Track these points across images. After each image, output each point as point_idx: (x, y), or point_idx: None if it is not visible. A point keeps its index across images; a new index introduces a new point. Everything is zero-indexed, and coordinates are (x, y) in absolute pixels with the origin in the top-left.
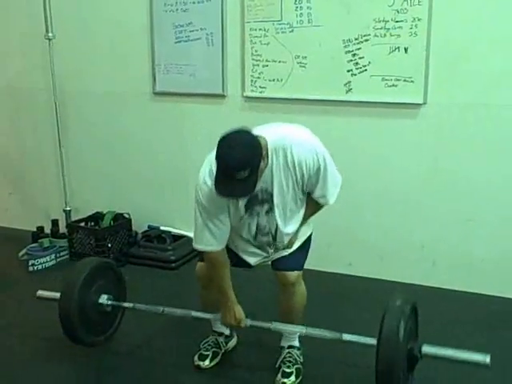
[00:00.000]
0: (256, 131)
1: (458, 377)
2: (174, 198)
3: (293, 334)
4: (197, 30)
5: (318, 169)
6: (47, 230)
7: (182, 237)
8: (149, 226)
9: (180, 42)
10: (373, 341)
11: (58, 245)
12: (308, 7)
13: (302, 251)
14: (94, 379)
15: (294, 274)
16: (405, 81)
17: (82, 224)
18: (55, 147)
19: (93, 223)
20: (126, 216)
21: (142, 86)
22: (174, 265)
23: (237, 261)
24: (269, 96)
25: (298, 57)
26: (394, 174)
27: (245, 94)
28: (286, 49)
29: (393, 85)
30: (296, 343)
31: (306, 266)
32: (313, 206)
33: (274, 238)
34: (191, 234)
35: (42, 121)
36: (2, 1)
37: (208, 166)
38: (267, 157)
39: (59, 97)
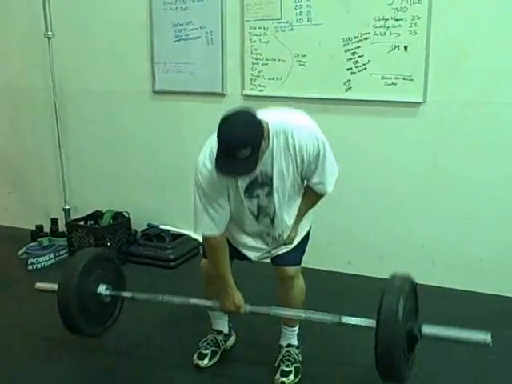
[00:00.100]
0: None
1: (458, 376)
2: (174, 197)
3: (292, 318)
4: (196, 29)
5: (318, 154)
6: (46, 229)
7: (181, 235)
8: (148, 225)
9: (179, 40)
10: (372, 323)
11: (57, 243)
12: (308, 5)
13: (301, 247)
14: (94, 378)
15: (293, 269)
16: (404, 79)
17: (82, 223)
18: (55, 146)
19: (92, 222)
20: (126, 215)
21: (142, 84)
22: (173, 263)
23: (237, 255)
24: (268, 94)
25: (298, 55)
26: (393, 173)
27: (244, 93)
28: (285, 47)
29: (392, 83)
30: (295, 342)
31: (304, 265)
32: (311, 197)
33: (272, 222)
34: (190, 233)
35: (42, 120)
36: (1, 0)
37: (208, 148)
38: (268, 138)
39: (58, 96)
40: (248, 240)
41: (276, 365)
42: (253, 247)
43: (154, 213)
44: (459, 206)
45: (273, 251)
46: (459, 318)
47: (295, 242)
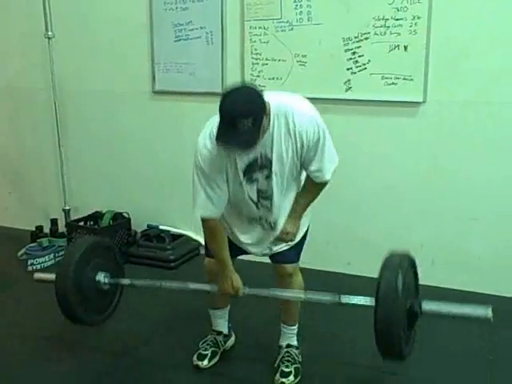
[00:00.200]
0: None
1: (458, 377)
2: (174, 198)
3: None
4: (196, 29)
5: (318, 140)
6: (46, 230)
7: (181, 236)
8: (148, 226)
9: (180, 40)
10: (372, 300)
11: (57, 244)
12: (308, 5)
13: (300, 245)
14: (93, 379)
15: (292, 266)
16: (404, 79)
17: (82, 223)
18: (54, 146)
19: (92, 222)
20: (126, 215)
21: (142, 84)
22: (173, 264)
23: (238, 251)
24: None
25: (298, 55)
26: (393, 173)
27: None
28: (285, 47)
29: (392, 83)
30: (294, 342)
31: (304, 265)
32: (311, 190)
33: (270, 209)
34: (190, 233)
35: (42, 120)
36: (1, 0)
37: (208, 128)
38: (270, 117)
39: (58, 96)
40: (248, 229)
41: (276, 365)
42: (252, 244)
43: (154, 213)
44: (459, 206)
45: (274, 248)
46: (459, 317)
47: (296, 239)
